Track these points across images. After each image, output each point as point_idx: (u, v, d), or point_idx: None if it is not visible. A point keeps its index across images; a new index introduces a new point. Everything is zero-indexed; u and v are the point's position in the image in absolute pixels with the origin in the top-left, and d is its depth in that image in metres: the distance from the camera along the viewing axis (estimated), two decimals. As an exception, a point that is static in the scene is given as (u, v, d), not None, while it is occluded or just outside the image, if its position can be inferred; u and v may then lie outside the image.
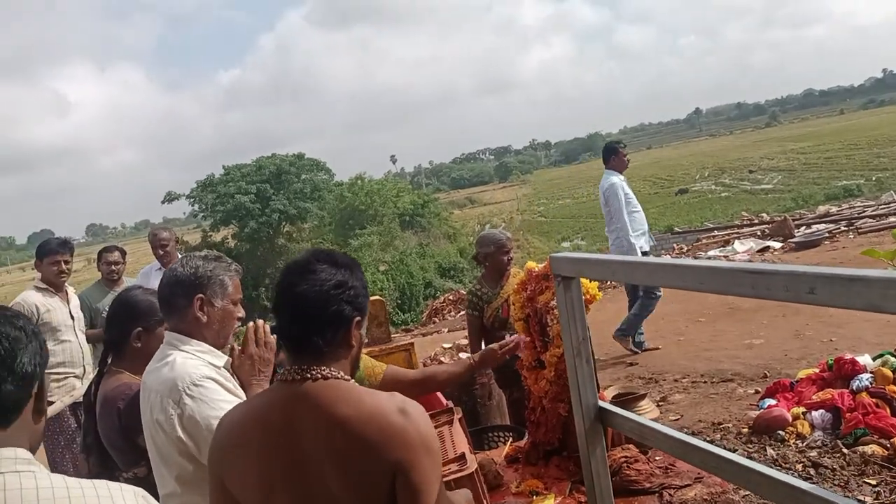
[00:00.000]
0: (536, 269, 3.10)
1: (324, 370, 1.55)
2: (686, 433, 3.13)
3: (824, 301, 1.12)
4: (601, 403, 1.87)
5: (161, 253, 5.64)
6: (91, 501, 1.17)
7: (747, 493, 4.02)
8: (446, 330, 11.78)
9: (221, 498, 1.63)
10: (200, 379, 2.04)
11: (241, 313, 2.27)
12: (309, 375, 1.55)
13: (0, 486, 1.11)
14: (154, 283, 5.54)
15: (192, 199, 37.83)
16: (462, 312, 13.43)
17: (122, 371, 2.52)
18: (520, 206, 62.74)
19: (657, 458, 3.06)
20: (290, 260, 1.68)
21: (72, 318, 4.82)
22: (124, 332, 2.52)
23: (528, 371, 3.13)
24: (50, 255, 4.75)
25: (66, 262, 4.82)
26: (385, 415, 1.52)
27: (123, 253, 5.47)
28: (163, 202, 40.32)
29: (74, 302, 4.91)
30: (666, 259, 1.46)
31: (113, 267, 5.30)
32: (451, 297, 15.35)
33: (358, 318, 1.61)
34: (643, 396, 3.25)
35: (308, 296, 1.55)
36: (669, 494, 2.74)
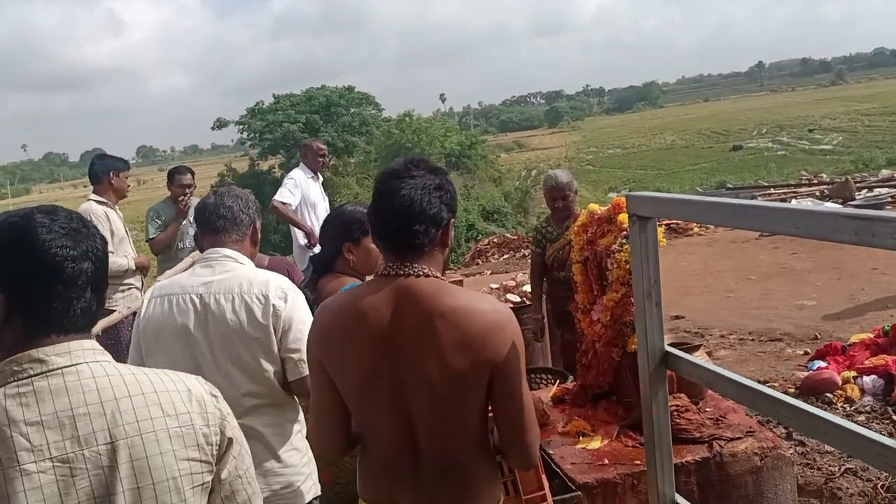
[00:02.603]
0: (599, 211, 3.04)
1: (424, 268, 1.66)
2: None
3: (939, 251, 1.05)
4: (667, 347, 1.83)
5: (321, 161, 6.08)
6: (158, 387, 1.21)
7: (799, 447, 4.03)
8: (489, 272, 11.78)
9: (321, 379, 1.75)
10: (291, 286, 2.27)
11: None
12: (411, 272, 1.65)
13: (76, 375, 1.15)
14: (307, 188, 5.83)
15: (241, 126, 38.07)
16: (505, 256, 13.41)
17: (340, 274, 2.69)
18: (568, 154, 61.71)
19: (707, 409, 3.03)
20: (387, 167, 1.76)
21: (126, 231, 4.95)
22: (335, 246, 2.71)
23: (583, 314, 3.11)
24: (125, 171, 4.94)
25: (127, 178, 4.99)
26: (483, 311, 1.63)
27: (193, 174, 5.57)
28: (212, 128, 40.72)
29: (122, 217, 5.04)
30: (758, 201, 1.40)
31: (186, 190, 5.37)
32: (495, 240, 15.29)
33: (453, 220, 1.73)
34: (697, 347, 3.20)
35: (413, 197, 1.65)
36: (720, 445, 2.72)
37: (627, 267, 2.77)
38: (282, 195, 5.74)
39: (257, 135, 37.03)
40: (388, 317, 1.64)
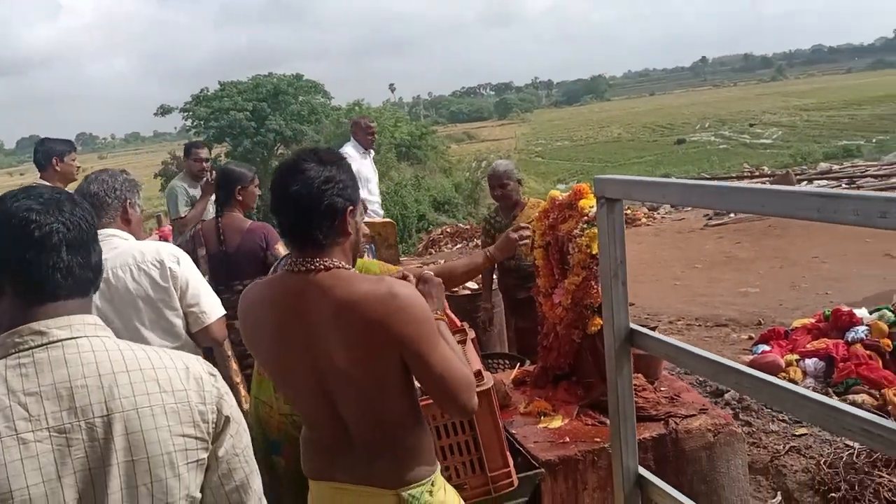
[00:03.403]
0: (560, 197, 3.11)
1: (326, 261, 1.71)
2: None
3: (896, 225, 1.13)
4: (632, 325, 1.90)
5: (370, 139, 6.37)
6: (156, 363, 1.23)
7: (746, 427, 4.19)
8: (442, 261, 11.84)
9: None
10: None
11: None
12: (314, 266, 1.71)
13: (75, 348, 1.17)
14: (360, 164, 5.89)
15: (185, 113, 37.19)
16: (458, 245, 13.50)
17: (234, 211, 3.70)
18: (517, 145, 62.15)
19: (662, 388, 3.14)
20: (281, 162, 1.81)
21: None
22: (229, 191, 3.71)
23: (544, 298, 3.17)
24: (71, 153, 4.80)
25: (75, 160, 4.85)
26: (380, 297, 1.66)
27: (210, 148, 5.61)
28: (156, 114, 39.63)
29: None
30: (726, 183, 1.47)
31: (204, 164, 5.47)
32: (448, 230, 15.37)
33: (351, 208, 1.75)
34: (653, 330, 3.29)
35: (302, 194, 1.69)
36: (675, 422, 2.82)
37: (588, 251, 2.85)
38: None
39: (202, 122, 36.17)
40: (293, 313, 1.72)
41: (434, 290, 2.12)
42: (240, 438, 1.30)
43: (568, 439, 2.79)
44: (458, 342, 2.96)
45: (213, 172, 5.22)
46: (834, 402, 1.36)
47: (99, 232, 2.26)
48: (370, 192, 6.21)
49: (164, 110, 39.78)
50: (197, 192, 5.35)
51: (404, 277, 2.20)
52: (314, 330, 1.70)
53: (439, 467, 1.91)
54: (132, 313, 2.48)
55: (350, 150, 6.18)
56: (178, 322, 2.55)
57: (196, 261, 4.44)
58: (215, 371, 1.31)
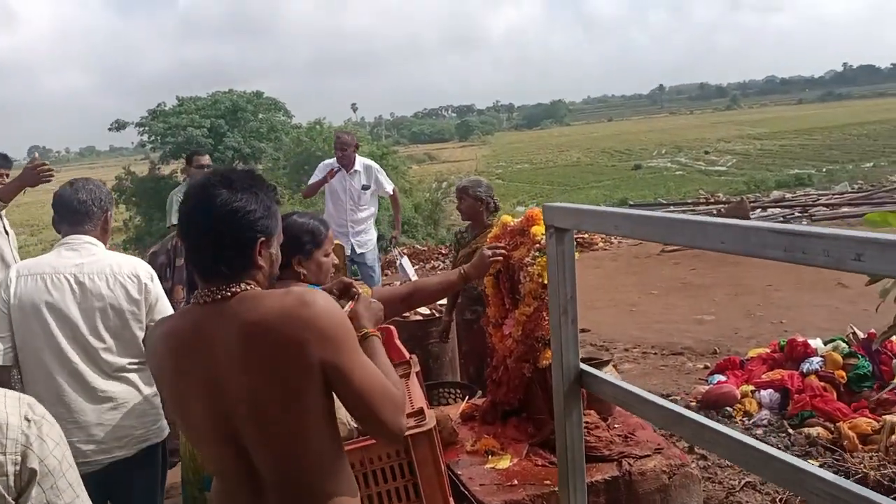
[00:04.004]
0: (512, 223, 2.97)
1: (232, 287, 1.57)
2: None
3: (874, 268, 1.00)
4: (583, 366, 1.75)
5: (340, 154, 6.32)
6: None
7: (701, 461, 4.07)
8: (398, 283, 11.64)
9: None
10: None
11: None
12: (219, 296, 1.56)
13: None
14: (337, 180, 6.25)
15: (141, 129, 36.49)
16: (415, 267, 13.32)
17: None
18: (478, 167, 62.35)
19: (616, 425, 3.00)
20: (191, 184, 1.67)
21: (6, 232, 4.53)
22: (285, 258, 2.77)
23: (494, 328, 3.02)
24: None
25: (6, 177, 4.55)
26: (287, 308, 1.52)
27: (212, 155, 5.64)
28: (110, 129, 38.80)
29: (4, 219, 4.61)
30: (682, 215, 1.33)
31: (206, 170, 5.27)
32: (405, 251, 15.18)
33: (263, 239, 1.60)
34: (607, 363, 3.17)
35: (204, 224, 1.57)
36: (629, 464, 2.68)
37: (540, 280, 2.70)
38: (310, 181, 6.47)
39: (159, 137, 35.52)
40: (194, 348, 1.57)
41: (361, 308, 1.96)
42: (57, 493, 1.15)
43: (516, 481, 2.63)
44: (402, 375, 2.79)
45: None
46: (802, 463, 1.22)
47: (78, 237, 2.65)
48: (345, 209, 6.31)
49: (118, 125, 38.97)
50: None
51: (346, 289, 2.13)
52: (218, 364, 1.54)
53: None
54: (100, 318, 2.59)
55: (324, 163, 6.45)
56: (141, 335, 2.65)
57: (174, 270, 4.32)
58: (37, 415, 1.16)
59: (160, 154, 37.07)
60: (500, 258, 2.76)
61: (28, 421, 1.15)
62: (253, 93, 37.54)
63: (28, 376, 2.60)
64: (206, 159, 5.52)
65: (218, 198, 1.56)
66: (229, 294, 1.56)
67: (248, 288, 1.58)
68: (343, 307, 1.94)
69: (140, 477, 2.71)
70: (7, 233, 4.57)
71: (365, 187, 6.42)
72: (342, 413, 2.24)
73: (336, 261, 2.69)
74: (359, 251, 6.49)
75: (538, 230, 2.76)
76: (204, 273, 1.59)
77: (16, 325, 2.55)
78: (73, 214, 2.66)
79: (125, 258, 2.74)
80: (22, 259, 4.60)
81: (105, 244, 2.75)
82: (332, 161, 6.41)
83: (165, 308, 2.71)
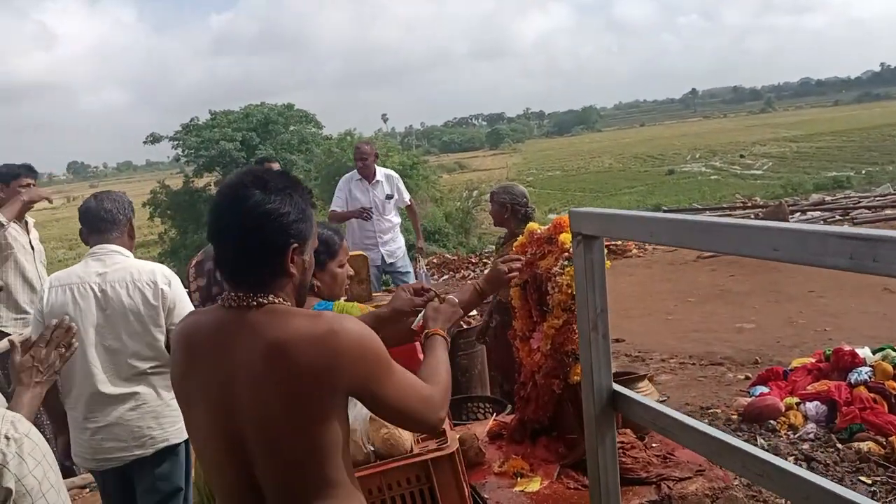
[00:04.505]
0: (539, 231, 2.81)
1: (260, 297, 1.49)
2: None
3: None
4: (616, 387, 1.59)
5: (361, 165, 6.26)
6: None
7: (752, 488, 3.85)
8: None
9: None
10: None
11: None
12: (245, 303, 1.49)
13: None
14: (354, 190, 6.25)
15: (175, 142, 36.98)
16: (445, 277, 13.18)
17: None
18: (509, 175, 62.09)
19: (654, 444, 2.82)
20: (224, 182, 1.58)
21: (32, 248, 4.49)
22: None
23: (521, 342, 2.86)
24: (18, 179, 4.43)
25: (33, 186, 4.50)
26: (317, 335, 1.44)
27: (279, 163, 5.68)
28: (145, 142, 39.42)
29: (34, 233, 4.58)
30: (725, 219, 1.16)
31: None
32: (434, 261, 15.04)
33: (295, 245, 1.51)
34: (643, 377, 2.99)
35: (233, 226, 1.49)
36: (668, 486, 2.50)
37: (570, 291, 2.54)
38: (334, 203, 6.32)
39: (192, 151, 35.96)
40: (215, 348, 1.49)
41: (430, 311, 2.01)
42: None
43: (547, 506, 2.46)
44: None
45: None
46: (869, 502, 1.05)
47: (105, 247, 2.83)
48: (371, 219, 6.22)
49: (153, 139, 39.59)
50: None
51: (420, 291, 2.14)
52: (234, 375, 1.46)
53: None
54: (122, 324, 2.75)
55: (345, 178, 6.37)
56: (161, 338, 2.77)
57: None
58: (19, 433, 1.12)
59: (194, 168, 37.59)
60: (517, 273, 2.52)
61: (8, 439, 1.12)
62: (284, 105, 37.89)
63: (62, 381, 2.74)
64: (276, 165, 5.53)
65: (250, 199, 1.47)
66: (255, 304, 1.49)
67: (277, 302, 1.50)
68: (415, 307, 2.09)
69: (161, 476, 2.84)
70: (33, 248, 4.53)
71: (388, 196, 6.38)
72: (358, 436, 2.11)
73: (351, 272, 2.60)
74: (389, 261, 6.45)
75: (566, 238, 2.60)
76: (232, 277, 1.52)
77: None
78: (99, 223, 2.84)
79: (145, 265, 2.88)
80: (51, 273, 4.59)
81: (131, 250, 2.92)
82: (352, 174, 6.38)
83: (185, 311, 2.77)
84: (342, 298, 2.57)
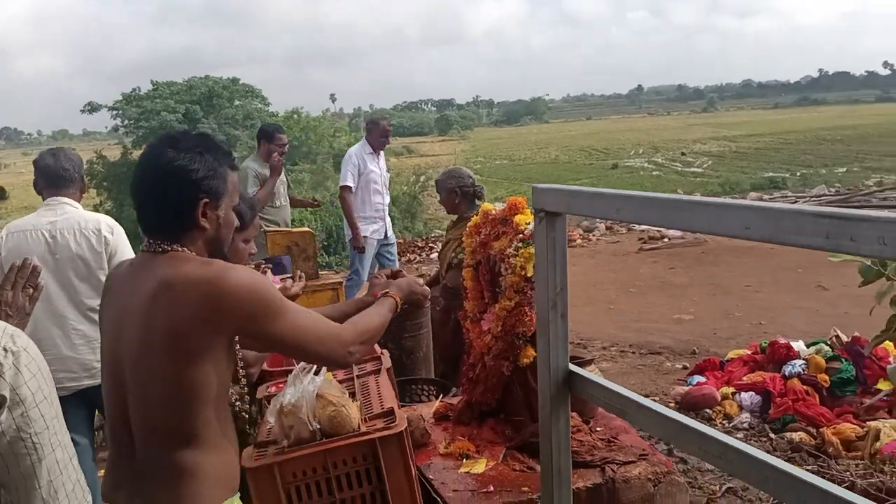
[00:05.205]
0: (494, 211, 2.78)
1: (166, 245, 1.62)
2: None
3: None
4: (573, 368, 1.57)
5: (384, 141, 6.44)
6: None
7: (681, 465, 3.92)
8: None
9: None
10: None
11: None
12: (157, 249, 1.62)
13: None
14: (369, 163, 6.25)
15: (114, 112, 35.80)
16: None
17: None
18: (457, 162, 61.98)
19: (598, 428, 2.83)
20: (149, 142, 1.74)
21: None
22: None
23: (472, 323, 2.84)
24: None
25: None
26: (204, 277, 1.55)
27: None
28: (83, 111, 38.12)
29: None
30: (696, 196, 1.15)
31: (284, 148, 5.76)
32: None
33: (206, 200, 1.63)
34: (590, 362, 3.00)
35: (145, 181, 1.64)
36: (612, 470, 2.51)
37: (523, 273, 2.53)
38: (345, 179, 6.18)
39: (132, 122, 34.86)
40: (124, 294, 1.64)
41: (403, 283, 2.15)
42: (27, 422, 1.17)
43: (492, 488, 2.44)
44: (371, 372, 2.60)
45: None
46: (841, 491, 1.05)
47: (58, 199, 3.12)
48: (375, 192, 6.28)
49: (91, 108, 38.30)
50: (266, 172, 5.55)
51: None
52: (129, 313, 1.59)
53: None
54: (70, 267, 3.04)
55: (354, 150, 6.35)
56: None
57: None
58: (17, 346, 1.19)
59: (133, 139, 36.46)
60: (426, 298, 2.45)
61: (6, 351, 1.17)
62: (229, 79, 37.06)
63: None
64: (285, 138, 5.87)
65: (162, 157, 1.61)
66: (160, 250, 1.61)
67: (182, 250, 1.62)
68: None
69: None
70: None
71: (388, 171, 6.60)
72: (304, 413, 2.05)
73: (254, 250, 2.63)
74: (389, 235, 6.55)
75: (522, 219, 2.59)
76: (146, 230, 1.64)
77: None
78: (57, 180, 3.13)
79: (92, 215, 3.18)
80: None
81: (80, 202, 3.22)
82: (361, 147, 6.38)
83: (125, 257, 2.93)
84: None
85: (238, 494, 1.68)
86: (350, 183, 6.17)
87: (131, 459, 1.60)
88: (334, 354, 1.74)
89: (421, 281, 2.13)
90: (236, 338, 1.69)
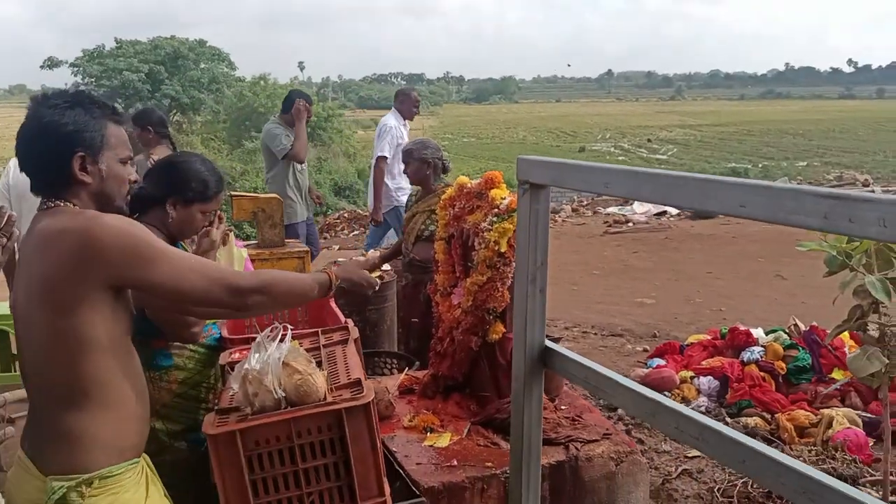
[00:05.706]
0: (470, 184, 2.74)
1: (51, 201, 1.65)
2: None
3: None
4: (548, 343, 1.55)
5: (416, 111, 6.74)
6: None
7: (639, 445, 3.97)
8: (337, 247, 11.35)
9: None
10: None
11: None
12: (44, 206, 1.66)
13: None
14: (404, 133, 6.45)
15: (75, 69, 34.79)
16: (356, 232, 13.03)
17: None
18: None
19: (563, 407, 2.84)
20: None
21: None
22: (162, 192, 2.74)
23: (442, 297, 2.80)
24: None
25: None
26: (77, 227, 1.55)
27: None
28: (42, 67, 36.97)
29: None
30: (686, 173, 1.12)
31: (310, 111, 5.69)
32: (346, 215, 14.82)
33: (82, 154, 1.64)
34: (558, 340, 2.98)
35: (23, 141, 1.66)
36: (576, 448, 2.51)
37: (496, 248, 2.50)
38: (383, 150, 6.22)
39: (93, 80, 33.91)
40: (21, 254, 1.68)
41: (351, 266, 2.25)
42: None
43: (455, 462, 2.43)
44: (338, 342, 2.55)
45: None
46: (812, 471, 1.04)
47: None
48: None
49: (52, 63, 37.15)
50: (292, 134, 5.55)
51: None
52: (21, 267, 1.65)
53: (124, 471, 1.63)
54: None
55: (391, 121, 6.37)
56: None
57: None
58: None
59: (93, 97, 35.36)
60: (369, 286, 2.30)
61: None
62: (196, 41, 36.21)
63: None
64: (303, 103, 5.69)
65: (35, 115, 1.64)
66: (45, 207, 1.65)
67: (66, 205, 1.63)
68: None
69: None
70: None
71: None
72: (269, 381, 2.00)
73: (218, 233, 2.47)
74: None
75: (497, 193, 2.55)
76: (34, 188, 1.67)
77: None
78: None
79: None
80: None
81: None
82: (396, 116, 6.42)
83: None
84: (190, 248, 2.42)
85: (141, 457, 1.69)
86: (387, 153, 6.15)
87: (33, 415, 1.64)
88: (226, 297, 1.72)
89: (373, 275, 2.20)
90: (127, 290, 1.68)
